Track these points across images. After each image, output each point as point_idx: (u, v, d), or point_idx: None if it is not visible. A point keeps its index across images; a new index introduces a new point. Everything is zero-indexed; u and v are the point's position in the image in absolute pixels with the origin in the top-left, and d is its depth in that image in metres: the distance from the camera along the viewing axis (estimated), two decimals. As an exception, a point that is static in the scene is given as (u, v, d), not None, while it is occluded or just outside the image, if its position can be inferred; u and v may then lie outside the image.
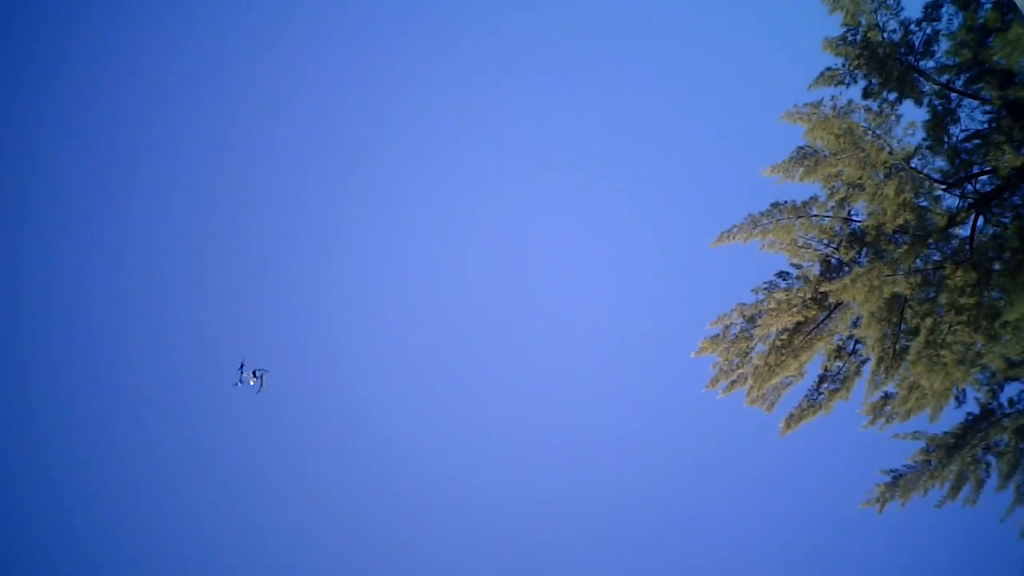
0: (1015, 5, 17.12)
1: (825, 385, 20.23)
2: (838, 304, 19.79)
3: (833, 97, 19.08)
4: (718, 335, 20.17)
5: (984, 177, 18.82)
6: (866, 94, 19.16)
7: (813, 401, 20.20)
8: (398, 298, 71.10)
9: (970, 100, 18.46)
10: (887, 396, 20.39)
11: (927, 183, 18.79)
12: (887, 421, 20.66)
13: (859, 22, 18.68)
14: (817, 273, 20.04)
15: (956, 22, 18.20)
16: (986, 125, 18.40)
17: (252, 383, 35.71)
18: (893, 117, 18.93)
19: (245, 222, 69.20)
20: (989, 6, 17.52)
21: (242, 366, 35.67)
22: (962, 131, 18.72)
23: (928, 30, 18.53)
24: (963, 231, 19.04)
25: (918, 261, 18.92)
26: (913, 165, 18.75)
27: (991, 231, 18.85)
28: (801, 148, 19.41)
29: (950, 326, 18.77)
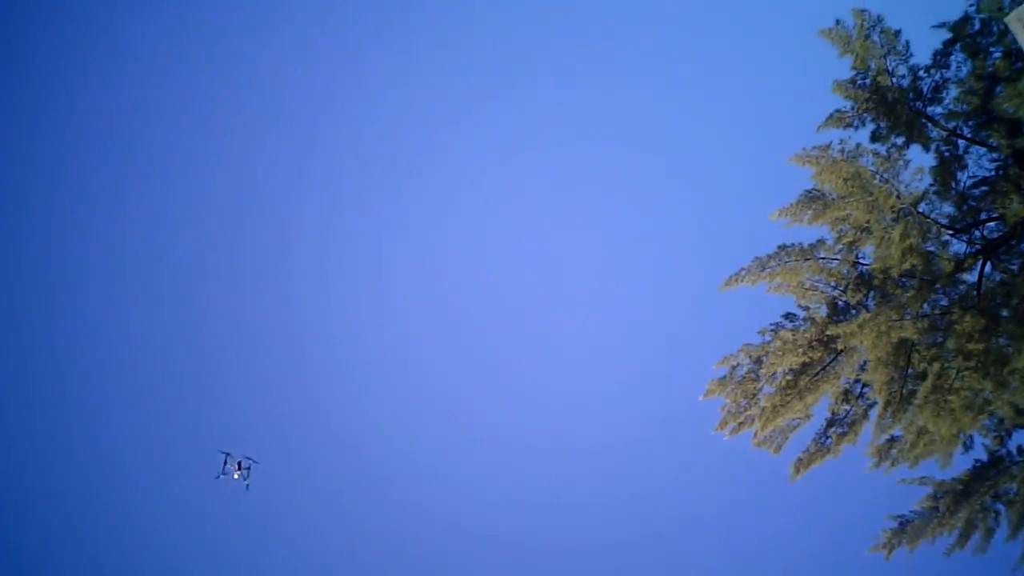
0: (1024, 55, 17.20)
1: (833, 429, 20.07)
2: (845, 347, 19.68)
3: (842, 140, 19.09)
4: (725, 376, 20.03)
5: (992, 223, 18.82)
6: (874, 138, 19.18)
7: (821, 445, 20.03)
8: (400, 301, 70.92)
9: (978, 147, 18.49)
10: (893, 439, 20.24)
11: (934, 228, 18.75)
12: (892, 464, 20.50)
13: (869, 66, 18.74)
14: (824, 315, 19.95)
15: (965, 69, 18.27)
16: (994, 172, 18.44)
17: (237, 476, 33.58)
18: (901, 162, 18.92)
19: (243, 225, 69.23)
20: (998, 55, 17.61)
21: (227, 459, 33.53)
22: (970, 177, 18.74)
23: (937, 76, 18.59)
24: (971, 277, 18.99)
25: (925, 306, 18.86)
26: (921, 210, 18.72)
27: (998, 277, 18.82)
28: (809, 191, 19.38)
29: (958, 371, 18.67)
